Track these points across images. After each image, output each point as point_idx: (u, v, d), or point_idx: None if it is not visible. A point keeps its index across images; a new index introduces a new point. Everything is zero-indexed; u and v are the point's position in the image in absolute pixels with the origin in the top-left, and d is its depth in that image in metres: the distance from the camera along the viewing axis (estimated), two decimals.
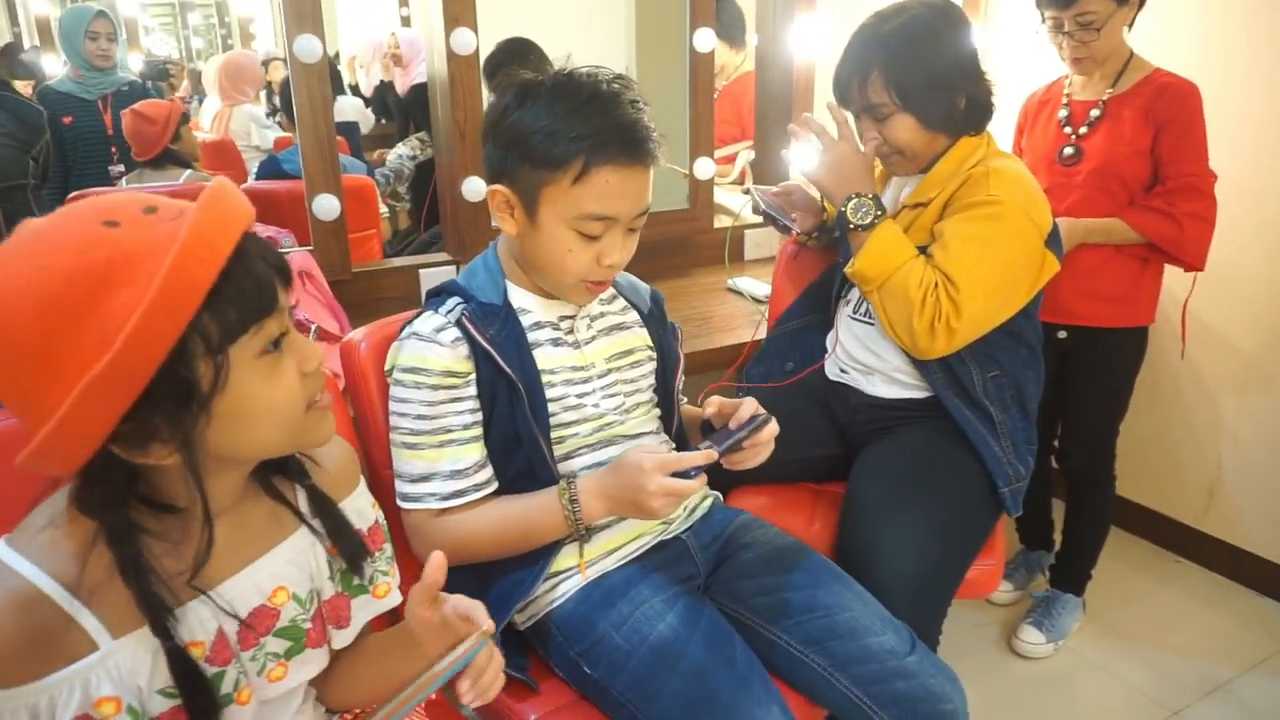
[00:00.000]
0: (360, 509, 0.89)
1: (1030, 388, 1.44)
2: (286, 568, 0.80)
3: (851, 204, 1.36)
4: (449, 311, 1.07)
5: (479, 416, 1.07)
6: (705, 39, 2.06)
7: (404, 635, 0.86)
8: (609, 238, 1.03)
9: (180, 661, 0.70)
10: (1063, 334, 1.78)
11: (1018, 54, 2.35)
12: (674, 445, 1.21)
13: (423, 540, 1.09)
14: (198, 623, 0.74)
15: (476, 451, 1.07)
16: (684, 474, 0.97)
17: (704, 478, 0.99)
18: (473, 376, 1.06)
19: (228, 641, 0.75)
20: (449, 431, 1.06)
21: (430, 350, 1.04)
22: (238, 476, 0.76)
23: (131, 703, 0.69)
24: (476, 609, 0.76)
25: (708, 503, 1.24)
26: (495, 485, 1.09)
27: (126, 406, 0.61)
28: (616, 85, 1.01)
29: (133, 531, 0.68)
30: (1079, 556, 1.96)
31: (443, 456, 1.06)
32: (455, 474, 1.06)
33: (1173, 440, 2.23)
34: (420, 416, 1.06)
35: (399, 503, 1.09)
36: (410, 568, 1.06)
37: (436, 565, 0.76)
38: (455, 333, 1.05)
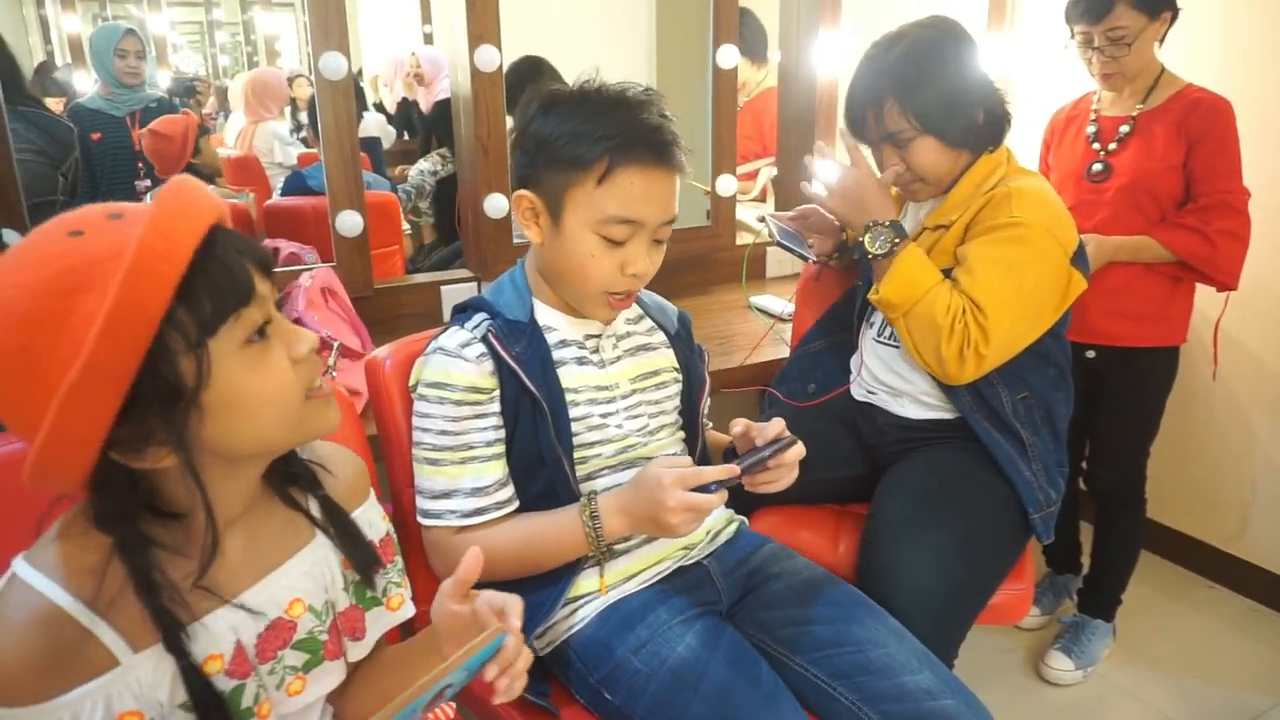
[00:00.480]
0: (371, 520, 0.89)
1: (1060, 408, 1.41)
2: (301, 579, 0.80)
3: (869, 235, 1.34)
4: (475, 327, 1.06)
5: (502, 434, 1.06)
6: (728, 55, 2.06)
7: (424, 642, 0.86)
8: (633, 245, 1.02)
9: (195, 679, 0.70)
10: (1091, 354, 1.75)
11: (1045, 67, 2.33)
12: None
13: (442, 558, 1.08)
14: (216, 636, 0.73)
15: (498, 469, 1.06)
16: (704, 489, 0.95)
17: (724, 494, 0.97)
18: (497, 393, 1.05)
19: (246, 654, 0.75)
20: (471, 448, 1.05)
21: (455, 366, 1.04)
22: (246, 481, 0.76)
23: (154, 717, 0.68)
24: (511, 603, 0.76)
25: (733, 528, 1.22)
26: (517, 504, 1.08)
27: (113, 410, 0.60)
28: (644, 95, 1.01)
29: (144, 545, 0.68)
30: (1109, 581, 1.91)
31: (465, 473, 1.05)
32: (477, 491, 1.05)
33: (1204, 462, 2.19)
34: (443, 432, 1.05)
35: (419, 519, 1.08)
36: (429, 584, 1.06)
37: (472, 560, 0.78)
38: (481, 348, 1.04)
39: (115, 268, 0.59)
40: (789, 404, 1.58)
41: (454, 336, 1.06)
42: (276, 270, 0.74)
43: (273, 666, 0.77)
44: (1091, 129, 1.75)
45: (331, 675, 0.83)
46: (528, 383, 1.03)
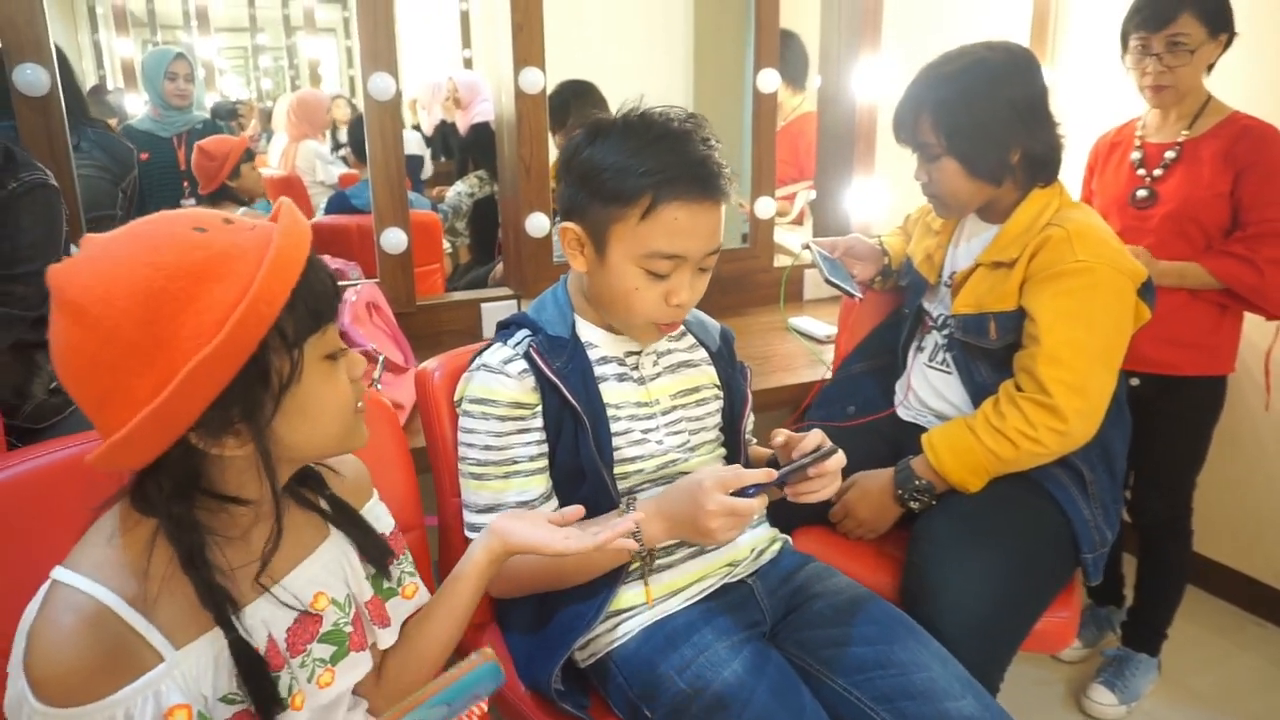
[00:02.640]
0: (377, 516, 0.93)
1: (1116, 445, 1.38)
2: (322, 573, 0.83)
3: (908, 499, 1.36)
4: (517, 344, 1.08)
5: (545, 448, 1.07)
6: (769, 80, 2.07)
7: (444, 592, 0.94)
8: (677, 276, 1.02)
9: (243, 652, 0.72)
10: (1135, 381, 1.71)
11: (1087, 99, 2.32)
12: None
13: None
14: (250, 629, 0.76)
15: (542, 483, 1.07)
16: (743, 493, 0.95)
17: (765, 499, 0.97)
18: (539, 408, 1.06)
19: (278, 647, 0.78)
20: (515, 463, 1.06)
21: (498, 382, 1.05)
22: (281, 481, 0.79)
23: (201, 709, 0.71)
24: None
25: (776, 546, 1.21)
26: None
27: (218, 393, 0.65)
28: (689, 124, 1.01)
29: (196, 525, 0.72)
30: (1154, 614, 1.87)
31: (509, 488, 1.06)
32: (521, 505, 1.06)
33: (1253, 495, 2.13)
34: (487, 447, 1.06)
35: (466, 532, 1.09)
36: None
37: (573, 511, 0.93)
38: (523, 364, 1.05)
39: (243, 265, 0.65)
40: (828, 425, 1.57)
41: (497, 353, 1.08)
42: None
43: (303, 659, 0.80)
44: (1136, 155, 1.73)
45: (359, 667, 0.86)
46: (569, 396, 1.04)
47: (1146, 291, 1.32)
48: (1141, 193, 1.70)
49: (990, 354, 1.37)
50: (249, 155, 2.85)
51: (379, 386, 1.41)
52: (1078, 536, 1.33)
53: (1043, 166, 1.34)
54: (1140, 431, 1.75)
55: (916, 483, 1.35)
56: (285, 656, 0.78)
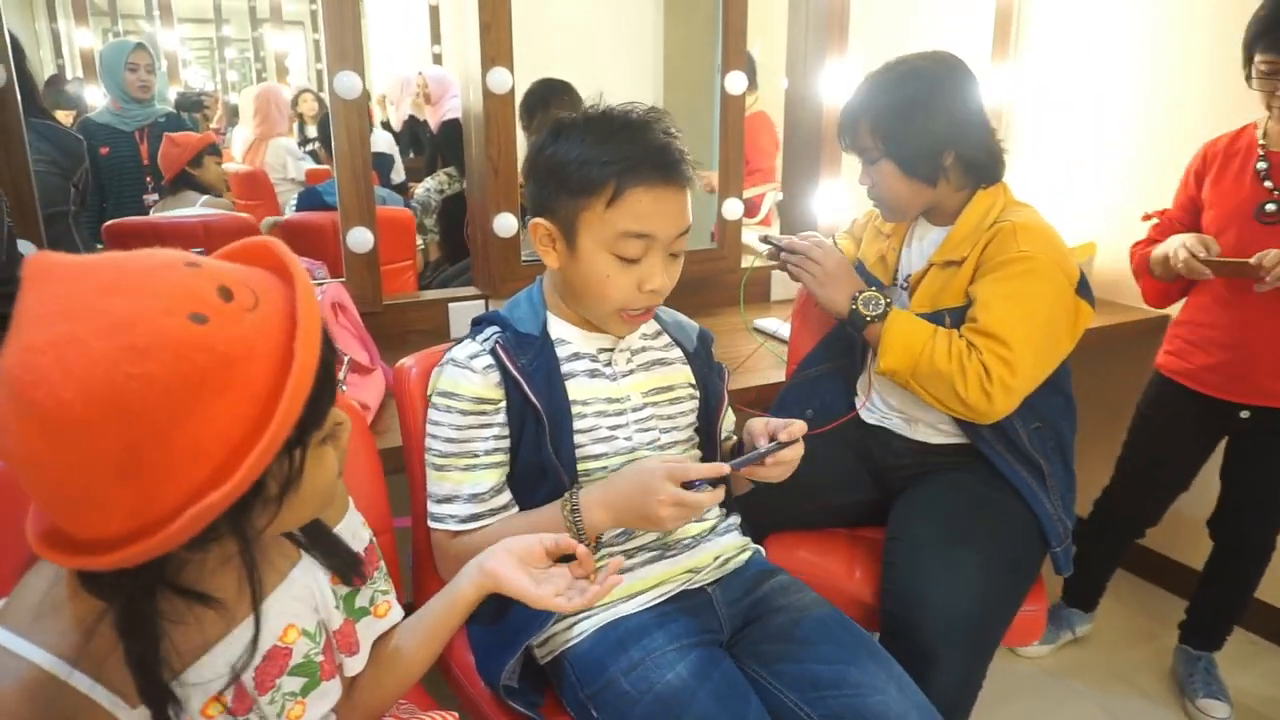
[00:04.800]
0: (354, 530, 0.90)
1: (1068, 436, 1.43)
2: (293, 604, 0.80)
3: (861, 299, 1.37)
4: (485, 340, 1.10)
5: (504, 443, 1.09)
6: (737, 82, 2.09)
7: (426, 616, 0.92)
8: (648, 261, 1.03)
9: None
10: (1245, 414, 1.66)
11: (1049, 97, 2.36)
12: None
13: (442, 558, 1.12)
14: (214, 675, 0.72)
15: (493, 477, 1.09)
16: (692, 486, 0.97)
17: (717, 494, 0.98)
18: (504, 404, 1.07)
19: (245, 688, 0.75)
20: (474, 456, 1.08)
21: (463, 376, 1.07)
22: None
23: None
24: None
25: (744, 556, 1.21)
26: (514, 510, 1.10)
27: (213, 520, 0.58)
28: (649, 115, 1.04)
29: (152, 620, 0.64)
30: (1224, 617, 1.90)
31: (465, 480, 1.08)
32: (474, 498, 1.08)
33: (1207, 494, 2.18)
34: (449, 439, 1.08)
35: (428, 522, 1.11)
36: (434, 583, 1.11)
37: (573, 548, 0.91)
38: (488, 360, 1.07)
39: (246, 370, 0.57)
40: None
41: (465, 349, 1.10)
42: None
43: (272, 696, 0.77)
44: (1262, 165, 1.59)
45: (330, 695, 0.83)
46: (530, 394, 1.06)
47: (1084, 290, 1.36)
48: (1270, 206, 1.57)
49: None
50: (214, 149, 2.82)
51: (344, 388, 1.40)
52: (1045, 531, 1.37)
53: (980, 169, 1.39)
54: (1243, 457, 1.74)
55: (882, 295, 1.36)
56: (254, 695, 0.76)
